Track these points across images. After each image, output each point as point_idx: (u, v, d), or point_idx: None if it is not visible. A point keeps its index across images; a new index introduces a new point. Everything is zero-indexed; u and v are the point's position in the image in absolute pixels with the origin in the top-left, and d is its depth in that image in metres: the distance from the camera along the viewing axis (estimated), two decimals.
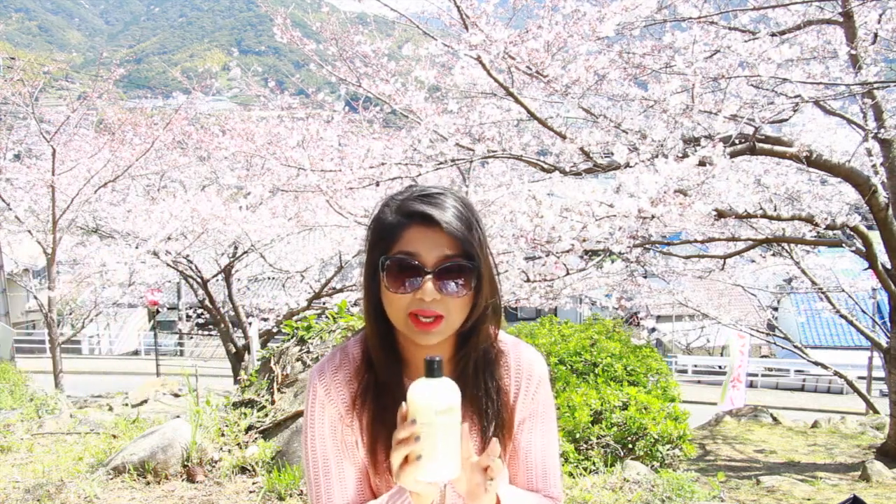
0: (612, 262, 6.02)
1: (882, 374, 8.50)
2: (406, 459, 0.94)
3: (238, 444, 3.83)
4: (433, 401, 0.94)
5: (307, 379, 1.17)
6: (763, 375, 18.49)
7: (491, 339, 1.15)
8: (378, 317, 1.09)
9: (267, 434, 3.92)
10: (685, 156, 3.84)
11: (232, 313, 10.34)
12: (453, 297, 1.03)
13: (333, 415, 1.12)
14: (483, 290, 1.06)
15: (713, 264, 8.66)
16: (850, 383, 9.92)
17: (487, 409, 1.13)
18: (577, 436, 4.46)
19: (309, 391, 1.14)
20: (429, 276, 1.01)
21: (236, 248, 9.97)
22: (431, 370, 0.95)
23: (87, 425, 4.94)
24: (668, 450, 4.48)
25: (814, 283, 8.75)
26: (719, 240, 6.74)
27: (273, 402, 4.07)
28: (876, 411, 9.85)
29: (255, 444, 3.80)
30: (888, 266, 5.73)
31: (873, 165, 5.38)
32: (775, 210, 5.53)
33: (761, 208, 5.19)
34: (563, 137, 4.53)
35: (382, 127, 6.50)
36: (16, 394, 5.92)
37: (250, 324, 8.94)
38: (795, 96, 4.36)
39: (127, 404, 7.58)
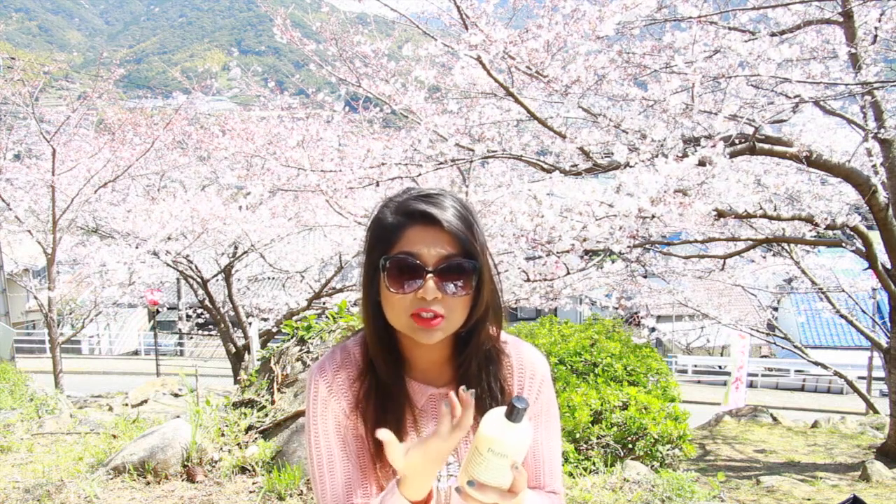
0: (612, 262, 6.02)
1: (882, 374, 8.49)
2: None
3: (238, 444, 3.83)
4: (495, 441, 0.94)
5: (307, 378, 1.16)
6: (763, 375, 18.49)
7: (493, 340, 1.15)
8: (377, 319, 1.09)
9: (267, 434, 3.92)
10: (685, 155, 3.83)
11: (232, 313, 10.34)
12: (454, 296, 1.03)
13: (337, 411, 1.12)
14: (483, 290, 1.06)
15: (713, 264, 8.66)
16: (850, 383, 9.92)
17: (491, 409, 1.13)
18: (577, 436, 4.46)
19: (310, 389, 1.14)
20: (430, 275, 1.01)
21: (236, 248, 9.97)
22: (511, 412, 0.94)
23: (87, 425, 4.94)
24: (668, 450, 4.48)
25: (814, 283, 8.76)
26: (719, 240, 6.74)
27: (273, 402, 4.06)
28: (876, 411, 9.85)
29: (255, 444, 3.80)
30: (888, 266, 5.73)
31: (873, 165, 5.37)
32: (775, 210, 5.53)
33: (761, 208, 5.19)
34: (563, 137, 4.53)
35: (382, 127, 6.50)
36: (16, 394, 5.92)
37: (250, 324, 8.94)
38: (795, 96, 4.36)
39: (127, 404, 7.58)
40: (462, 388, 0.96)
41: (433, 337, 1.04)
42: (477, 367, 1.13)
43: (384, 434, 0.98)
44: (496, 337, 1.16)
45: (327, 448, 1.12)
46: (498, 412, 0.96)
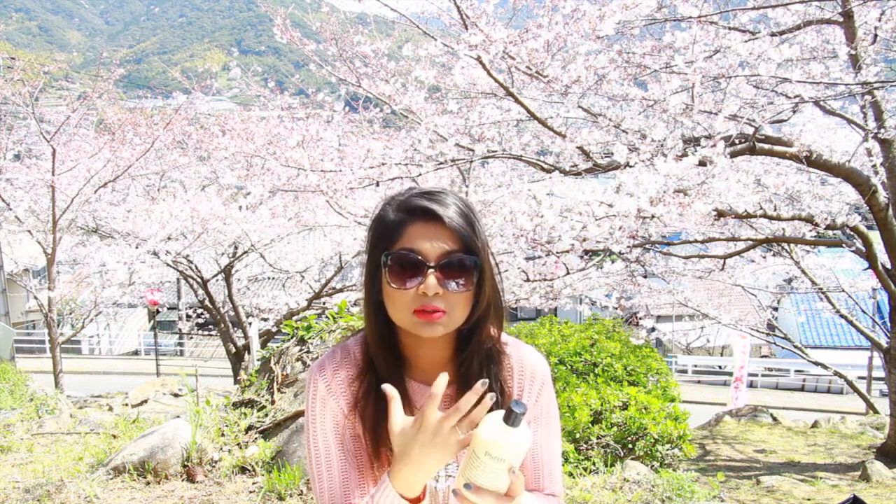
0: (612, 262, 6.02)
1: (882, 374, 8.49)
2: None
3: (238, 444, 3.83)
4: (492, 445, 0.93)
5: (307, 377, 1.16)
6: (763, 375, 18.49)
7: (493, 339, 1.15)
8: (379, 316, 1.10)
9: (267, 434, 3.92)
10: (685, 155, 3.84)
11: (232, 313, 10.34)
12: (455, 292, 1.03)
13: (335, 410, 1.13)
14: (485, 287, 1.07)
15: (713, 264, 8.66)
16: (850, 383, 9.93)
17: (491, 409, 1.13)
18: (577, 436, 4.46)
19: (309, 388, 1.14)
20: (431, 270, 1.02)
21: (236, 248, 9.97)
22: (509, 416, 0.93)
23: (87, 425, 4.94)
24: (668, 450, 4.48)
25: (814, 283, 8.76)
26: (719, 240, 6.74)
27: (273, 402, 4.06)
28: (876, 411, 9.85)
29: (255, 444, 3.80)
30: (888, 266, 5.73)
31: (873, 165, 5.38)
32: (775, 210, 5.53)
33: (761, 208, 5.19)
34: (563, 137, 4.53)
35: (382, 127, 6.50)
36: (16, 394, 5.92)
37: (250, 324, 8.94)
38: (795, 96, 4.36)
39: (127, 404, 7.58)
40: (481, 381, 0.96)
41: (435, 331, 1.04)
42: (478, 367, 1.13)
43: (389, 388, 1.02)
44: (497, 337, 1.16)
45: (325, 447, 1.12)
46: (496, 415, 0.95)
